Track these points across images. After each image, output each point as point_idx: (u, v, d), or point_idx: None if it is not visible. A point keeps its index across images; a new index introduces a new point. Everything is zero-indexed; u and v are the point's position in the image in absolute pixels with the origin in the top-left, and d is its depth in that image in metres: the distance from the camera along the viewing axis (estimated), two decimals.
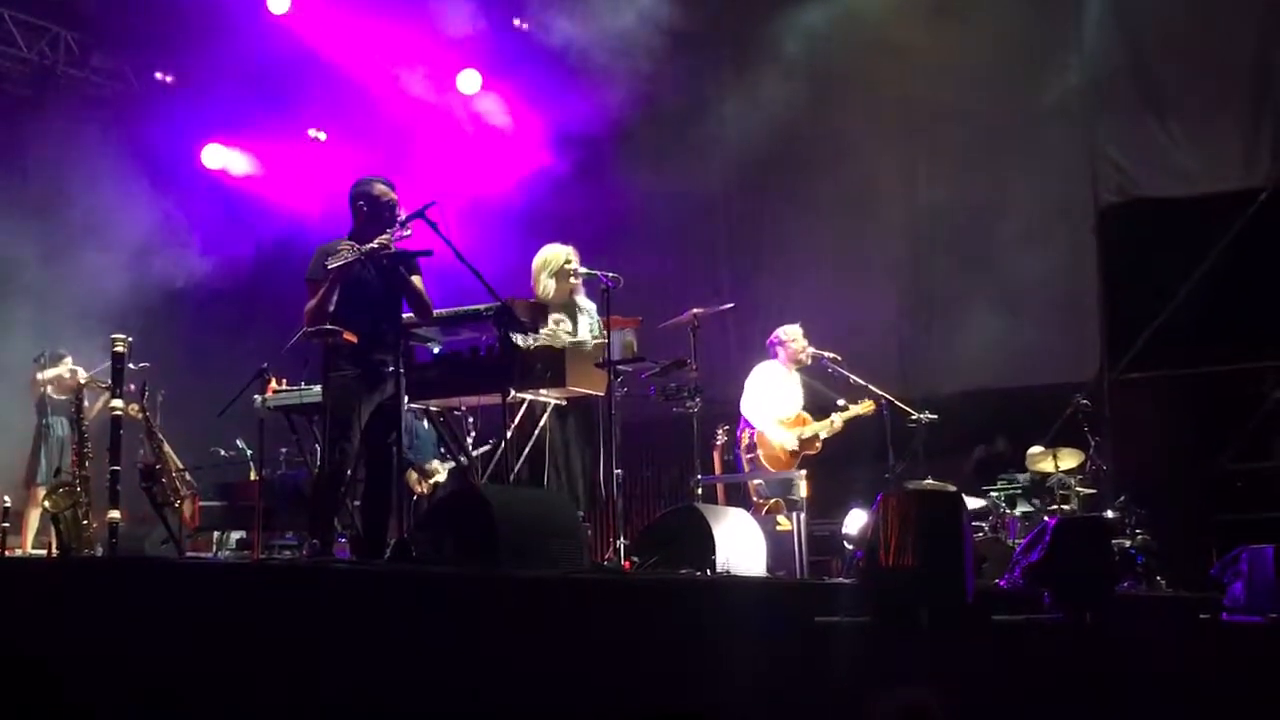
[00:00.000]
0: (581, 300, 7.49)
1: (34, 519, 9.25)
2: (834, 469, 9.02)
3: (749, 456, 8.68)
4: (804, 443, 8.68)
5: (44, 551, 8.31)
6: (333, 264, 6.04)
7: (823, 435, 8.72)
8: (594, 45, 10.32)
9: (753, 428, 8.72)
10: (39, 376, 9.55)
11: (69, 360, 9.46)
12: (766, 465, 8.61)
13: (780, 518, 8.31)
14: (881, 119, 11.07)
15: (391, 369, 6.08)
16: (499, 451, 6.86)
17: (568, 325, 7.32)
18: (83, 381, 8.41)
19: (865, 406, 8.73)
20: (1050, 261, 10.59)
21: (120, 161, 10.55)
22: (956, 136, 10.90)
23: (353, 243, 6.14)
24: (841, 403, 8.80)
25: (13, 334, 9.94)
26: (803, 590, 6.78)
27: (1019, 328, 10.35)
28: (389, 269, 6.16)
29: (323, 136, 11.87)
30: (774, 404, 8.75)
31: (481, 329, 6.92)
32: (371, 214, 6.27)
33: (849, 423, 8.76)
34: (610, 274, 7.06)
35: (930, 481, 8.53)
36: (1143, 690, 5.76)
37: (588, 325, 7.39)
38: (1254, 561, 7.52)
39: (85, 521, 7.10)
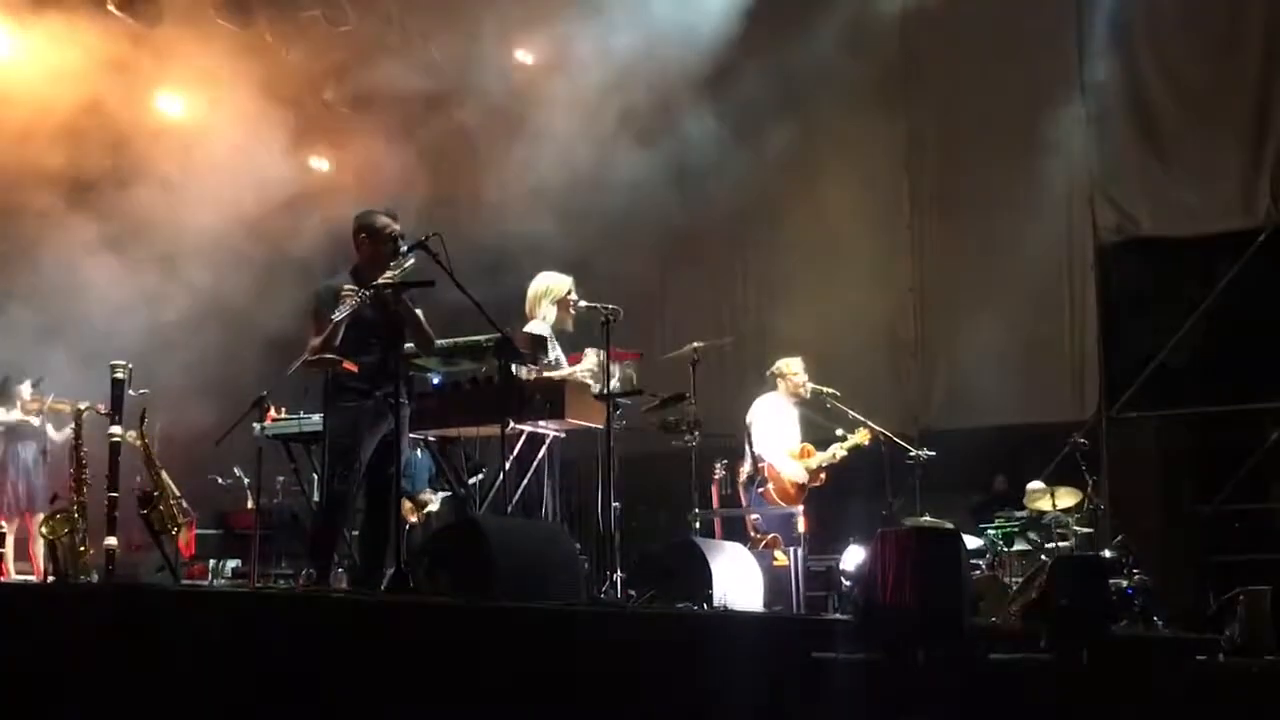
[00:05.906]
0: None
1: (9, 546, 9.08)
2: (831, 504, 9.00)
3: (759, 490, 8.64)
4: (810, 475, 8.66)
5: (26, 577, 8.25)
6: (337, 316, 5.99)
7: (825, 466, 8.72)
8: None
9: (753, 461, 8.70)
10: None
11: (28, 384, 9.30)
12: (776, 499, 8.56)
13: (778, 552, 8.28)
14: (881, 154, 11.13)
15: (395, 401, 6.06)
16: (497, 482, 6.84)
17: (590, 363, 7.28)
18: (55, 406, 8.28)
19: (863, 435, 8.73)
20: (1049, 299, 10.65)
21: None
22: (956, 172, 10.95)
23: (355, 287, 6.09)
24: (840, 433, 8.80)
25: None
26: (800, 625, 6.76)
27: (1018, 365, 10.39)
28: (391, 302, 6.15)
29: None
30: (783, 437, 8.75)
31: (480, 360, 6.91)
32: (374, 247, 6.25)
33: (849, 453, 8.76)
34: (609, 306, 7.05)
35: (928, 518, 8.54)
36: None
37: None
38: (1250, 603, 7.51)
39: (82, 548, 7.08)
